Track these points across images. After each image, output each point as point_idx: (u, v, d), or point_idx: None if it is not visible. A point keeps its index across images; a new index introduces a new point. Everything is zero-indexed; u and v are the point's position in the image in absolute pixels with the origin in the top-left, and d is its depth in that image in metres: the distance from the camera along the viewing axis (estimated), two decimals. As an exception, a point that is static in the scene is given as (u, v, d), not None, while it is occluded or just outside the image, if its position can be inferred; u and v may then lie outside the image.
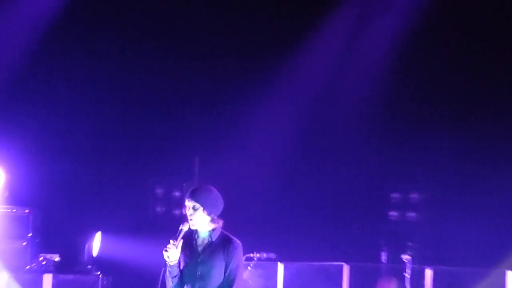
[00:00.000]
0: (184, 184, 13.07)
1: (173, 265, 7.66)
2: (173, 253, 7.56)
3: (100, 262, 12.83)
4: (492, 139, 13.84)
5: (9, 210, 12.64)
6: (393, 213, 13.42)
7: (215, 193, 7.99)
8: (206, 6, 14.16)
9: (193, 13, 14.15)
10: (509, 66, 14.38)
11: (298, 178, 14.08)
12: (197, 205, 7.60)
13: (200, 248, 7.62)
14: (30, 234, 12.54)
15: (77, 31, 13.82)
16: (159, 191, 13.73)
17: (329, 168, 13.91)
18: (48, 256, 12.07)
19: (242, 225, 9.06)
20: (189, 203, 7.65)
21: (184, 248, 7.70)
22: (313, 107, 14.36)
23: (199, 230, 7.65)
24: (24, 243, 12.43)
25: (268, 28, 14.27)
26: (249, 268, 11.73)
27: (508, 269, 12.34)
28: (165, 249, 7.56)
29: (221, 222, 7.74)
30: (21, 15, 14.25)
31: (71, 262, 12.58)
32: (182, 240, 7.67)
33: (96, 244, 12.75)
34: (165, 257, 7.58)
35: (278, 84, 14.04)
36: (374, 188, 14.01)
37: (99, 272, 12.57)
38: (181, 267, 7.87)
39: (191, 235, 7.66)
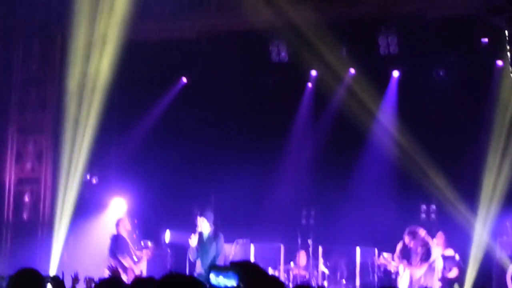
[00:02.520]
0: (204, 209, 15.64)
1: (193, 247, 13.17)
2: (193, 241, 13.09)
3: (169, 244, 17.55)
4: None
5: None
6: (304, 221, 18.06)
7: (210, 212, 13.53)
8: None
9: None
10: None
11: (261, 204, 18.25)
12: (204, 219, 13.39)
13: (205, 239, 13.24)
14: (137, 232, 17.25)
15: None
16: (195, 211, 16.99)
17: (277, 197, 18.20)
18: (146, 241, 16.49)
19: (231, 224, 14.24)
20: (199, 219, 13.51)
21: (198, 239, 13.23)
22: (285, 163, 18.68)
23: (203, 231, 13.30)
24: (135, 235, 16.98)
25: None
26: (237, 246, 15.98)
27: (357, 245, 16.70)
28: (189, 237, 13.21)
29: (213, 226, 13.23)
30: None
31: (157, 244, 16.88)
32: (197, 236, 13.16)
33: (167, 236, 17.61)
34: (190, 242, 13.21)
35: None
36: (293, 207, 18.35)
37: (168, 250, 17.36)
38: (196, 248, 13.08)
39: (201, 233, 13.29)
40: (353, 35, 16.85)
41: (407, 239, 15.34)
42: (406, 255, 15.66)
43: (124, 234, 15.81)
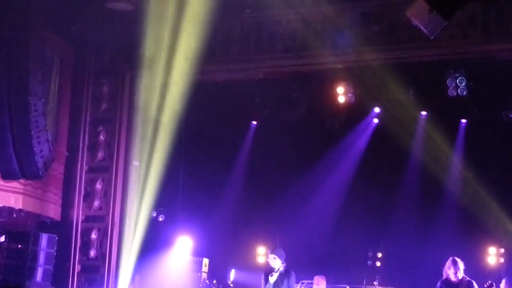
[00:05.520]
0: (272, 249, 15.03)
1: (271, 283, 12.82)
2: (273, 278, 12.80)
3: (233, 283, 17.71)
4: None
5: (193, 258, 17.66)
6: (369, 263, 18.20)
7: (281, 250, 13.11)
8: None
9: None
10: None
11: (326, 245, 18.14)
12: (275, 256, 12.96)
13: (277, 274, 12.86)
14: (202, 270, 17.43)
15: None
16: (260, 250, 18.86)
17: (342, 238, 18.16)
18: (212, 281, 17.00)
19: (297, 265, 13.93)
20: (271, 256, 13.06)
21: (269, 275, 12.88)
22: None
23: (275, 267, 12.92)
24: (199, 274, 17.31)
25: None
26: (302, 286, 15.70)
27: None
28: (270, 275, 12.86)
29: (284, 263, 12.92)
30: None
31: (221, 283, 17.54)
32: (277, 274, 12.82)
33: (232, 274, 17.74)
34: (270, 279, 12.87)
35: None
36: (359, 249, 18.32)
37: (232, 287, 17.41)
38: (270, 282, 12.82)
39: (272, 269, 12.92)
40: (421, 77, 16.51)
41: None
42: None
43: None
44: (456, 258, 13.75)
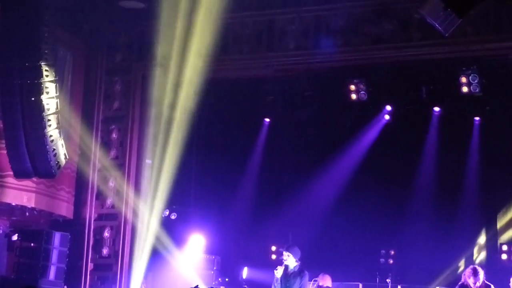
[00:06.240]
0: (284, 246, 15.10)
1: (278, 277, 12.74)
2: (278, 272, 12.71)
3: (246, 281, 17.32)
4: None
5: (206, 256, 17.54)
6: (382, 260, 17.88)
7: (297, 248, 12.97)
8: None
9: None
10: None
11: (339, 243, 17.89)
12: (289, 254, 12.82)
13: (289, 273, 12.78)
14: (215, 268, 17.43)
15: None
16: (273, 248, 18.83)
17: (355, 236, 17.77)
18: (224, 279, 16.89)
19: (309, 262, 13.88)
20: (285, 253, 12.93)
21: (283, 272, 12.73)
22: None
23: (289, 265, 12.82)
24: (212, 272, 17.31)
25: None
26: (314, 284, 15.20)
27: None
28: (275, 269, 12.76)
29: (299, 262, 12.82)
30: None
31: (233, 281, 17.46)
32: (283, 268, 12.71)
33: (244, 272, 17.47)
34: (275, 273, 12.78)
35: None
36: (372, 247, 18.06)
37: (245, 285, 16.96)
38: (280, 280, 12.62)
39: (286, 267, 12.80)
40: (433, 74, 16.42)
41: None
42: None
43: None
44: (476, 267, 13.62)
